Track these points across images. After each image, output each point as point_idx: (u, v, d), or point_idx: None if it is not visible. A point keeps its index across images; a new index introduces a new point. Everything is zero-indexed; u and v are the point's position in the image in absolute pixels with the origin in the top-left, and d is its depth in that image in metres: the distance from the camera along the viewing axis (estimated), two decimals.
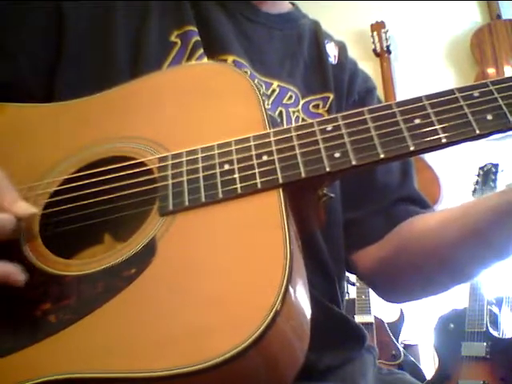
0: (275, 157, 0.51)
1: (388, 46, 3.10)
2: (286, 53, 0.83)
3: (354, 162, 0.49)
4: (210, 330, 0.41)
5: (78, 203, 0.55)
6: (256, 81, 0.76)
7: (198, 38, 0.75)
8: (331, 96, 0.82)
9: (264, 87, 0.77)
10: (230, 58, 0.75)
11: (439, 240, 0.72)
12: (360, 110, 0.53)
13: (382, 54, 3.11)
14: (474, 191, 2.36)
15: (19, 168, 0.59)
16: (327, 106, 0.82)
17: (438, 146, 0.49)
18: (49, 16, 0.72)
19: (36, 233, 0.53)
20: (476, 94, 0.50)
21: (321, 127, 0.52)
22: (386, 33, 3.11)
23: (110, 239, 0.58)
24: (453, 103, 0.50)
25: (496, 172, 2.34)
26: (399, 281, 0.80)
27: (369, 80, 0.93)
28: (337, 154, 0.50)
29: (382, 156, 0.49)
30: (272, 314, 0.40)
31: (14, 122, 0.64)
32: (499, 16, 2.96)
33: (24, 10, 0.72)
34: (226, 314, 0.42)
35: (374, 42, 3.13)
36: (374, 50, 3.13)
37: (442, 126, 0.49)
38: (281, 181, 0.49)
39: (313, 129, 0.52)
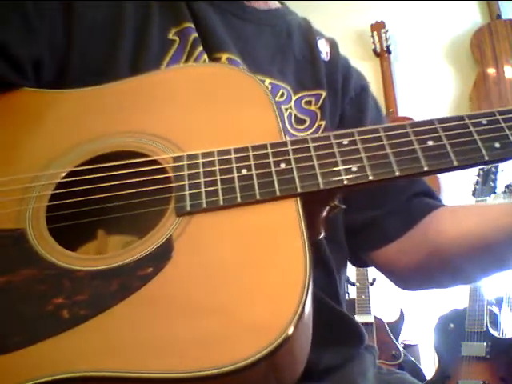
0: (293, 166, 0.52)
1: (388, 46, 3.10)
2: (276, 49, 0.83)
3: (370, 178, 0.50)
4: (226, 336, 0.41)
5: (85, 198, 0.54)
6: None
7: (196, 34, 0.75)
8: (324, 93, 0.83)
9: None
10: (225, 56, 0.75)
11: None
12: (375, 127, 0.54)
13: (382, 54, 3.11)
14: (474, 191, 2.36)
15: (25, 154, 0.58)
16: (319, 103, 0.82)
17: (449, 168, 0.51)
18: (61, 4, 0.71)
19: (43, 224, 0.52)
20: (484, 121, 0.52)
21: (337, 140, 0.53)
22: (386, 33, 3.11)
23: (102, 236, 0.58)
24: (463, 128, 0.52)
25: (496, 172, 2.34)
26: (427, 274, 0.82)
27: (362, 77, 0.93)
28: (354, 168, 0.51)
29: (397, 174, 0.50)
30: (292, 325, 0.41)
31: (23, 106, 0.63)
32: (499, 16, 2.96)
33: None
34: (243, 321, 0.42)
35: (374, 42, 3.13)
36: (374, 50, 3.13)
37: (453, 149, 0.51)
38: (299, 190, 0.50)
39: (329, 141, 0.53)
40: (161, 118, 0.59)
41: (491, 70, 2.86)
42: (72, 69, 0.69)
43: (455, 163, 0.50)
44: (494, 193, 2.36)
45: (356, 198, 0.78)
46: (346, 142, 0.53)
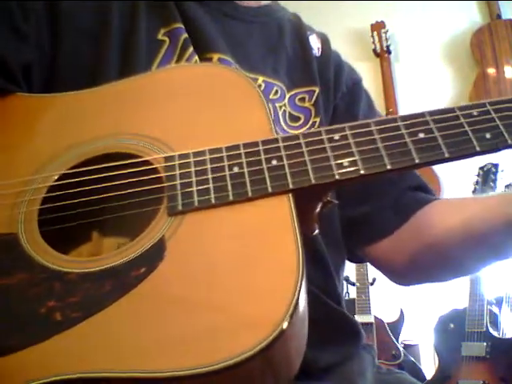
0: (285, 162, 0.52)
1: (388, 46, 3.10)
2: (268, 47, 0.83)
3: (362, 172, 0.50)
4: (221, 332, 0.41)
5: (78, 200, 0.54)
6: None
7: (186, 35, 0.75)
8: (317, 90, 0.83)
9: None
10: (216, 56, 0.75)
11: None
12: (366, 121, 0.54)
13: (382, 54, 3.11)
14: (474, 191, 2.36)
15: (19, 159, 0.58)
16: (313, 99, 0.82)
17: (441, 159, 0.51)
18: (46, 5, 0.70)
19: (35, 228, 0.52)
20: (475, 112, 0.53)
21: (328, 136, 0.53)
22: (385, 33, 3.11)
23: (97, 238, 0.58)
24: (454, 120, 0.52)
25: (496, 172, 2.34)
26: (423, 267, 0.82)
27: (354, 71, 0.93)
28: (346, 163, 0.51)
29: (388, 167, 0.50)
30: (287, 319, 0.41)
31: (17, 110, 0.63)
32: (499, 16, 2.96)
33: None
34: (237, 317, 0.42)
35: (374, 42, 3.13)
36: (374, 50, 3.13)
37: (445, 141, 0.51)
38: (291, 186, 0.50)
39: (320, 137, 0.53)
40: (154, 119, 0.59)
41: (491, 70, 2.86)
42: (61, 70, 0.69)
43: (447, 155, 0.50)
44: None
45: (349, 193, 0.78)
46: (337, 137, 0.53)
